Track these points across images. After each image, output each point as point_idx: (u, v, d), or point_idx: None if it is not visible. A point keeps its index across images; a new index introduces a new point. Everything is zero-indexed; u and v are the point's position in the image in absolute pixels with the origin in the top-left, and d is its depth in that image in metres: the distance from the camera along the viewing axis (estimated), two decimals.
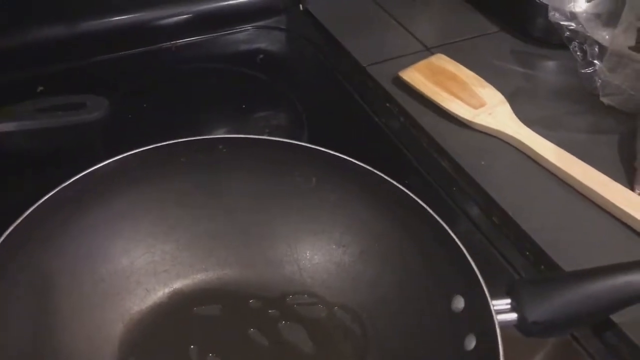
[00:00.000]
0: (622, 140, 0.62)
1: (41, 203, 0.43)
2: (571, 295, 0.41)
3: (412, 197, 0.46)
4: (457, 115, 0.63)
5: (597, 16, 0.66)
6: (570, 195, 0.57)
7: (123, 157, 0.47)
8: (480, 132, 0.63)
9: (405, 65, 0.68)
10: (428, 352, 0.43)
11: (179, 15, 0.75)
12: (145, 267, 0.49)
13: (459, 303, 0.42)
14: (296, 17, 0.79)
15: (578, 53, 0.65)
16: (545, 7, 0.67)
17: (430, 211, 0.45)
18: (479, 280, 0.41)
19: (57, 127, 0.59)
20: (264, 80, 0.69)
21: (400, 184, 0.47)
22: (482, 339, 0.40)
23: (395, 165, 0.59)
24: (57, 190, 0.44)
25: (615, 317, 0.46)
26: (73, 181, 0.45)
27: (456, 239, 0.43)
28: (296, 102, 0.66)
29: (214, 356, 0.45)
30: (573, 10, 0.66)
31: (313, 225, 0.50)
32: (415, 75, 0.67)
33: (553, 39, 0.70)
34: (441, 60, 0.69)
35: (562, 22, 0.66)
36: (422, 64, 0.69)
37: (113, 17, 0.72)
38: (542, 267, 0.51)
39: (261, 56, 0.73)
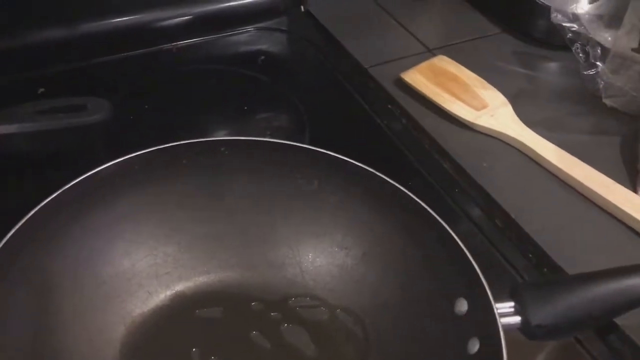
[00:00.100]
0: (624, 142, 0.62)
1: (43, 205, 0.43)
2: (575, 298, 0.41)
3: (414, 198, 0.46)
4: (459, 116, 0.63)
5: (599, 18, 0.65)
6: (572, 197, 0.57)
7: (124, 159, 0.47)
8: (482, 133, 0.63)
9: (406, 67, 0.68)
10: (430, 356, 0.43)
11: (179, 16, 0.74)
12: (147, 269, 0.48)
13: (462, 306, 0.42)
14: (297, 18, 0.79)
15: (580, 55, 0.65)
16: (547, 9, 0.67)
17: (432, 213, 0.45)
18: (482, 282, 0.41)
19: (58, 129, 0.58)
20: (265, 81, 0.69)
21: (402, 185, 0.47)
22: (486, 342, 0.40)
23: (397, 166, 0.59)
24: (59, 193, 0.44)
25: (618, 320, 0.46)
26: (75, 184, 0.45)
27: (459, 241, 0.43)
28: (297, 103, 0.66)
29: (215, 359, 0.45)
30: (575, 11, 0.66)
31: (315, 228, 0.50)
32: (416, 77, 0.67)
33: (555, 40, 0.70)
34: (443, 62, 0.69)
35: (564, 24, 0.66)
36: (423, 65, 0.68)
37: (114, 19, 0.72)
38: (545, 269, 0.51)
39: (262, 57, 0.73)
